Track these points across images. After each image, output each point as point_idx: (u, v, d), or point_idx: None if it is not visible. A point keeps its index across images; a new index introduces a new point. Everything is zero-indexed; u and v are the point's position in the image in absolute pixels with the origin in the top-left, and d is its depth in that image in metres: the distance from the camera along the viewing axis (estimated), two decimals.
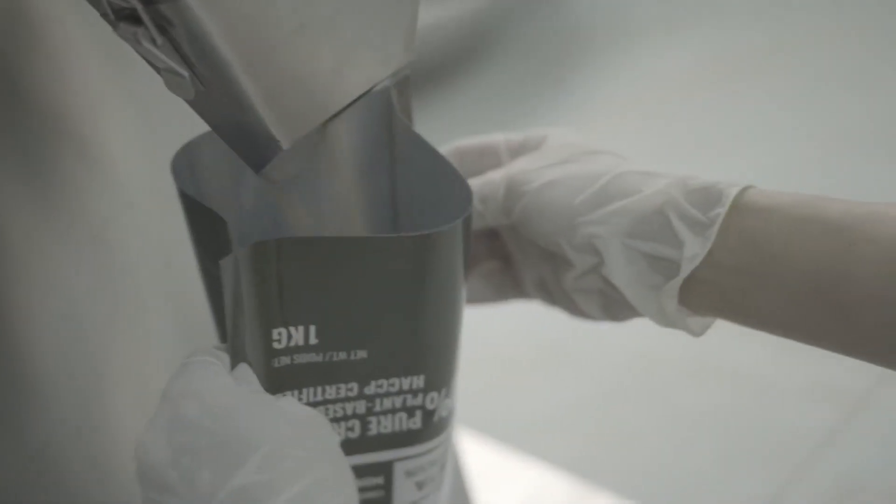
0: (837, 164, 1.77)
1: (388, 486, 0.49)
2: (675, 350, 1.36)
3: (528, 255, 0.54)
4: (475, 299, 0.57)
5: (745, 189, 0.45)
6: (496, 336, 1.43)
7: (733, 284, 0.44)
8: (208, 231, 0.46)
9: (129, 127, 0.56)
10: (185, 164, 0.49)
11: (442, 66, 2.27)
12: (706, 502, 1.19)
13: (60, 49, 0.51)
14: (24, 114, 0.50)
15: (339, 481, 0.40)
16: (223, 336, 0.50)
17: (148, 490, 0.39)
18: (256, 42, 0.39)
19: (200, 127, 0.48)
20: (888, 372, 1.36)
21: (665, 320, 0.47)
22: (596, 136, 1.92)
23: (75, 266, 0.54)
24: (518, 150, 0.53)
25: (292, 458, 0.39)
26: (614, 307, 0.51)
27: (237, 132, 0.43)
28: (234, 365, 0.43)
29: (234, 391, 0.41)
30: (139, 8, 0.38)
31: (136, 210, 0.57)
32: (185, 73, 0.40)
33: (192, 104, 0.43)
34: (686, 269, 0.45)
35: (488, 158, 0.53)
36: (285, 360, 0.45)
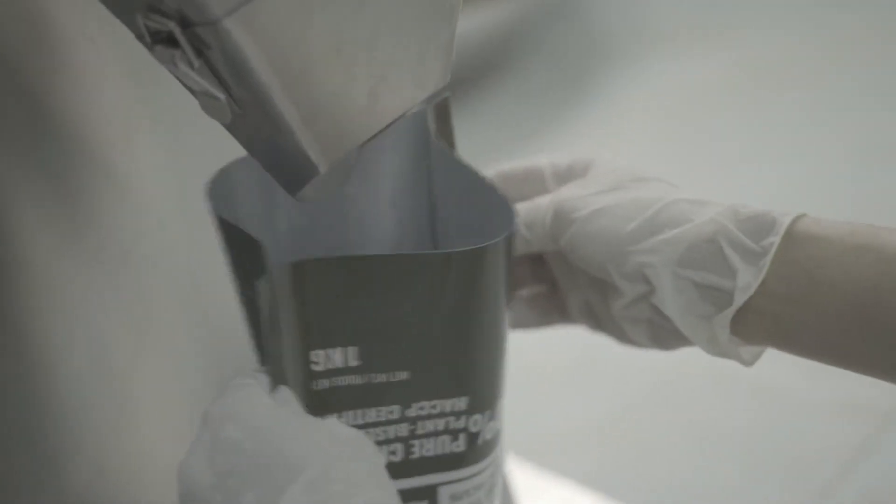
0: (872, 178, 1.75)
1: None
2: (701, 364, 1.35)
3: (574, 281, 0.54)
4: (520, 324, 0.56)
5: (797, 217, 0.45)
6: (519, 351, 1.42)
7: (787, 313, 0.44)
8: (244, 254, 0.46)
9: (157, 150, 0.56)
10: (220, 189, 0.49)
11: (466, 76, 2.27)
12: None
13: (88, 71, 0.51)
14: (51, 137, 0.50)
15: (384, 502, 0.39)
16: (263, 359, 0.49)
17: None
18: (294, 64, 0.39)
19: (228, 149, 0.48)
20: None
21: (716, 350, 0.47)
22: (620, 147, 1.91)
23: (102, 290, 0.54)
24: (563, 175, 0.53)
25: (339, 481, 0.38)
26: (663, 336, 0.51)
27: (273, 155, 0.43)
28: (273, 388, 0.43)
29: (277, 413, 0.40)
30: (176, 31, 0.38)
31: (163, 233, 0.56)
32: (222, 95, 0.40)
33: (228, 127, 0.42)
34: (739, 300, 0.45)
35: (533, 184, 0.53)
36: (325, 383, 0.45)
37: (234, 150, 0.49)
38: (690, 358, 1.32)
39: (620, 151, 1.81)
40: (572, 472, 1.05)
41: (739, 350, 0.47)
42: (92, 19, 0.51)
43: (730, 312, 0.45)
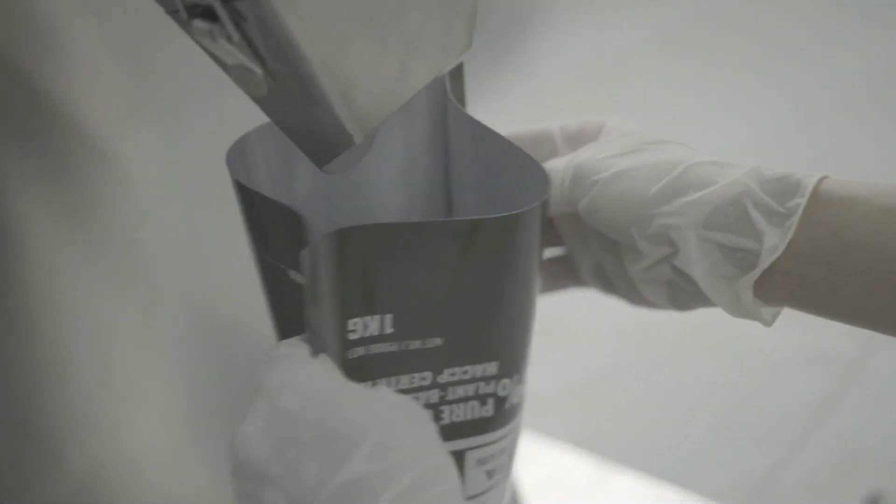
0: (809, 130, 1.78)
1: (459, 476, 0.49)
2: (668, 323, 1.37)
3: (586, 244, 0.54)
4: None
5: (821, 179, 0.45)
6: None
7: (814, 275, 0.44)
8: (269, 223, 0.46)
9: (156, 139, 0.55)
10: (239, 157, 0.48)
11: None
12: (706, 474, 1.20)
13: (84, 63, 0.51)
14: (50, 129, 0.50)
15: (446, 469, 0.40)
16: (280, 329, 0.49)
17: (246, 483, 0.39)
18: (331, 35, 0.39)
19: (226, 136, 0.48)
20: (879, 337, 1.38)
21: (739, 311, 0.47)
22: (549, 111, 1.91)
23: (104, 280, 0.54)
24: (574, 139, 0.53)
25: (401, 448, 0.38)
26: (681, 297, 0.51)
27: (306, 128, 0.42)
28: (314, 356, 0.43)
29: (332, 382, 0.40)
30: (216, 5, 0.37)
31: (163, 222, 0.56)
32: (258, 69, 0.39)
33: (261, 101, 0.42)
34: (766, 261, 0.45)
35: (544, 147, 0.53)
36: (360, 351, 0.45)
37: (232, 136, 0.49)
38: (658, 317, 1.33)
39: (550, 115, 1.81)
40: (556, 432, 1.06)
41: (761, 310, 0.47)
42: (88, 10, 0.50)
43: (755, 274, 0.45)
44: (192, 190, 0.57)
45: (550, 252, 0.58)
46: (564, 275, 0.57)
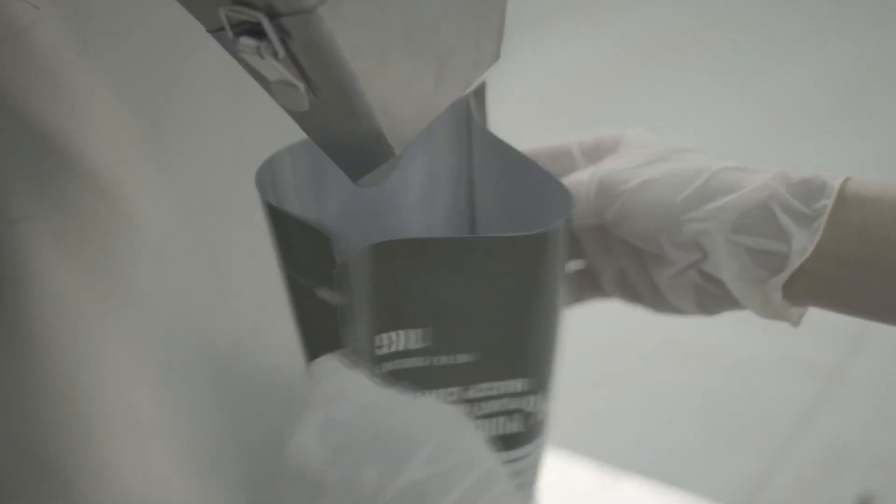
0: (781, 140, 1.80)
1: None
2: (643, 333, 1.38)
3: (609, 255, 0.54)
4: None
5: (846, 180, 0.46)
6: None
7: (842, 274, 0.45)
8: (297, 242, 0.46)
9: (153, 165, 0.55)
10: (268, 177, 0.49)
11: None
12: (697, 478, 1.21)
13: (81, 92, 0.51)
14: (49, 156, 0.50)
15: (501, 471, 0.40)
16: (308, 348, 0.49)
17: (300, 494, 0.39)
18: (374, 49, 0.40)
19: (225, 162, 0.48)
20: (859, 342, 1.39)
21: (768, 312, 0.48)
22: (527, 121, 1.92)
23: (105, 305, 0.54)
24: (591, 153, 0.54)
25: (458, 452, 0.39)
26: (709, 301, 0.52)
27: (344, 142, 0.43)
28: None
29: (381, 391, 0.41)
30: (265, 22, 0.38)
31: (164, 247, 0.56)
32: (301, 84, 0.40)
33: (299, 116, 0.42)
34: (795, 262, 0.46)
35: (562, 162, 0.54)
36: (389, 366, 0.45)
37: (237, 165, 0.49)
38: (632, 328, 1.34)
39: (527, 125, 1.82)
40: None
41: (789, 311, 0.48)
42: (81, 40, 0.51)
43: (784, 276, 0.46)
44: (201, 219, 0.57)
45: (572, 265, 0.58)
46: (587, 287, 0.57)
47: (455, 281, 0.45)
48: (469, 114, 0.52)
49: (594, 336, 1.43)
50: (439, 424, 0.40)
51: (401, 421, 0.39)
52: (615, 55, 2.12)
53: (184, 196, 0.56)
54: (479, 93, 0.52)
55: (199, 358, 0.60)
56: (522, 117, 1.98)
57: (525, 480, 0.51)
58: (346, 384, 0.41)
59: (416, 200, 0.54)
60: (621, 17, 2.23)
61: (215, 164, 0.56)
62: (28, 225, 0.49)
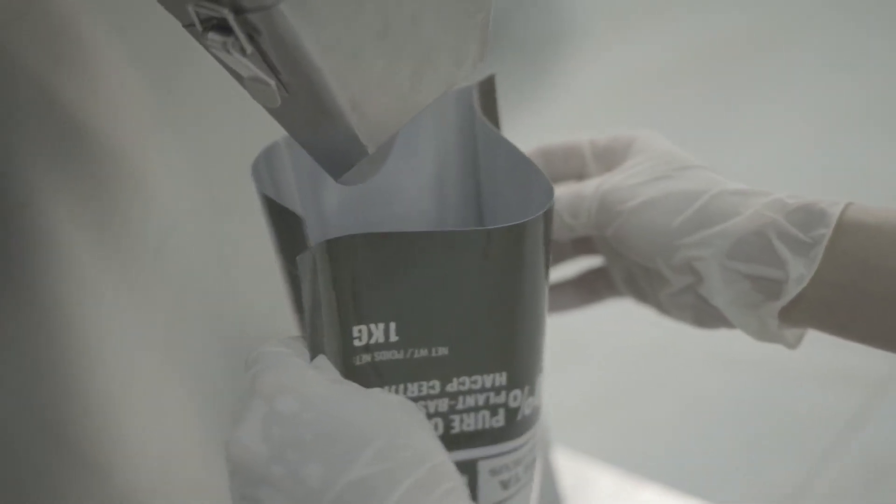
0: (834, 148, 1.77)
1: (472, 485, 0.49)
2: (685, 340, 1.36)
3: (619, 259, 0.55)
4: (569, 305, 0.57)
5: (846, 206, 0.45)
6: None
7: (839, 301, 0.45)
8: (288, 231, 0.46)
9: (178, 151, 0.56)
10: (265, 167, 0.49)
11: None
12: (737, 488, 1.20)
13: (107, 77, 0.51)
14: (77, 143, 0.51)
15: (450, 466, 0.40)
16: (303, 333, 0.50)
17: (244, 487, 0.39)
18: (344, 47, 0.39)
19: (249, 147, 0.49)
20: None
21: (764, 336, 0.48)
22: (585, 130, 1.92)
23: (131, 292, 0.54)
24: (603, 153, 0.54)
25: (407, 447, 0.38)
26: (707, 319, 0.52)
27: (319, 139, 0.43)
28: (312, 357, 0.43)
29: (329, 383, 0.40)
30: (230, 18, 0.38)
31: (187, 232, 0.57)
32: (272, 80, 0.40)
33: (275, 112, 0.42)
34: (793, 291, 0.45)
35: (573, 160, 0.54)
36: (366, 358, 0.45)
37: (258, 147, 0.49)
38: (675, 334, 1.33)
39: (581, 131, 1.82)
40: (582, 446, 1.06)
41: (785, 333, 0.48)
42: (113, 26, 0.51)
43: (781, 303, 0.46)
44: (218, 201, 0.58)
45: (589, 263, 0.58)
46: (602, 286, 0.57)
47: (424, 275, 0.45)
48: (472, 108, 0.52)
49: (635, 341, 1.42)
50: (390, 418, 0.39)
51: (348, 415, 0.39)
52: (680, 59, 2.10)
53: (199, 181, 0.57)
54: (488, 87, 0.52)
55: (213, 340, 0.60)
56: (591, 113, 1.99)
57: (514, 475, 0.50)
58: (292, 375, 0.40)
59: (424, 191, 0.54)
60: (693, 18, 2.22)
61: (232, 149, 0.57)
62: (48, 206, 0.50)
